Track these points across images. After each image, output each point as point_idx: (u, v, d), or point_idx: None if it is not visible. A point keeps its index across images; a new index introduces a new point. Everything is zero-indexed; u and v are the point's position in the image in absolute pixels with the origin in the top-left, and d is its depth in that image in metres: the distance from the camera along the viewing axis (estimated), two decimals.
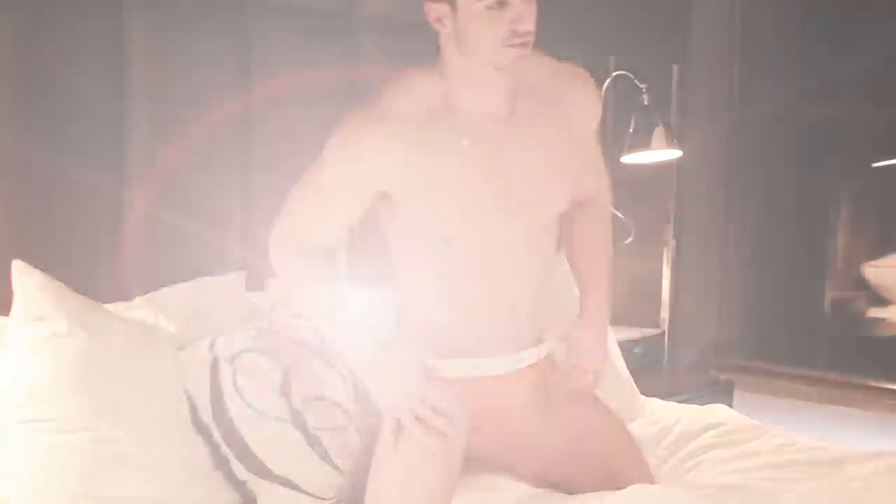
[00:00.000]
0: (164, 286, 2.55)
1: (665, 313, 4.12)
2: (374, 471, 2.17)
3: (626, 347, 3.58)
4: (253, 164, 2.88)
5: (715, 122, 4.33)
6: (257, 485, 2.22)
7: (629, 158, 3.68)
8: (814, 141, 4.77)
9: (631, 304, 3.91)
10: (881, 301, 4.94)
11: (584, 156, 2.32)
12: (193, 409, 2.22)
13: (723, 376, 4.10)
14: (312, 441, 2.26)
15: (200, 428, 2.22)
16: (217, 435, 2.21)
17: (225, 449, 2.21)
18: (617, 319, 3.27)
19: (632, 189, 3.98)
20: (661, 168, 3.93)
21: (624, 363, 3.19)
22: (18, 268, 2.15)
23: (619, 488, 2.17)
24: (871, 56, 4.30)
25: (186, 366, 2.26)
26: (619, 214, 3.96)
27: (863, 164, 4.82)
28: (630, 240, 3.94)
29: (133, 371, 2.18)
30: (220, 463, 2.21)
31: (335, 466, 2.28)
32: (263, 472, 2.21)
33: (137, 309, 2.43)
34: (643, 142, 3.61)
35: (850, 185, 4.93)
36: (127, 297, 2.48)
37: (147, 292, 2.53)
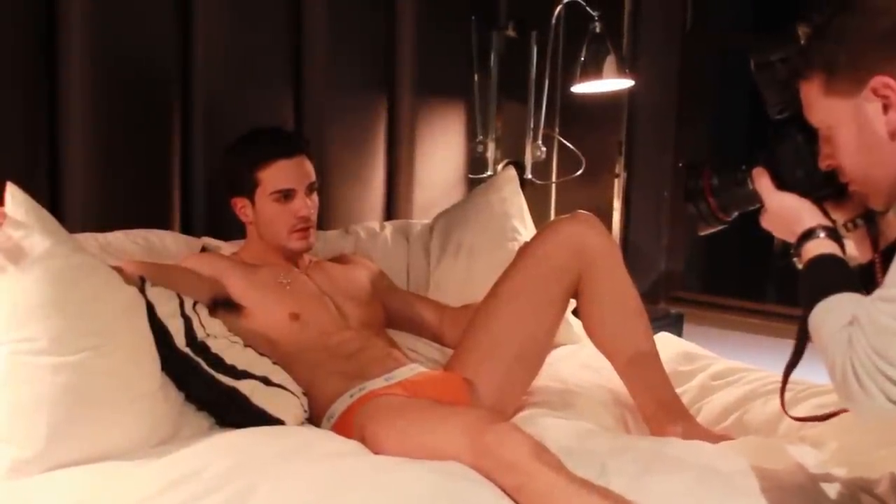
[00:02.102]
0: None
1: None
2: None
3: None
4: None
5: (667, 52, 4.28)
6: (244, 386, 2.35)
7: (580, 88, 3.65)
8: None
9: None
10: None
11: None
12: (169, 338, 2.31)
13: (673, 309, 4.10)
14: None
15: (179, 355, 2.32)
16: (195, 357, 2.33)
17: (205, 366, 2.33)
18: None
19: (583, 119, 3.96)
20: (613, 98, 3.89)
21: None
22: (11, 190, 2.13)
23: None
24: None
25: (158, 299, 2.34)
26: (570, 145, 3.95)
27: None
28: (580, 171, 3.92)
29: (113, 297, 2.21)
30: (204, 379, 2.33)
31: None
32: (246, 376, 2.36)
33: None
34: (594, 71, 3.58)
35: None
36: None
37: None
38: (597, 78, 3.59)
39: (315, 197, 2.75)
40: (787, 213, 1.85)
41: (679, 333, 3.72)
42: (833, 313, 1.62)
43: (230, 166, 2.74)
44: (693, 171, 2.00)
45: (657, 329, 2.97)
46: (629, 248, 4.18)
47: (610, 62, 3.55)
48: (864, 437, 2.27)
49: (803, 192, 1.85)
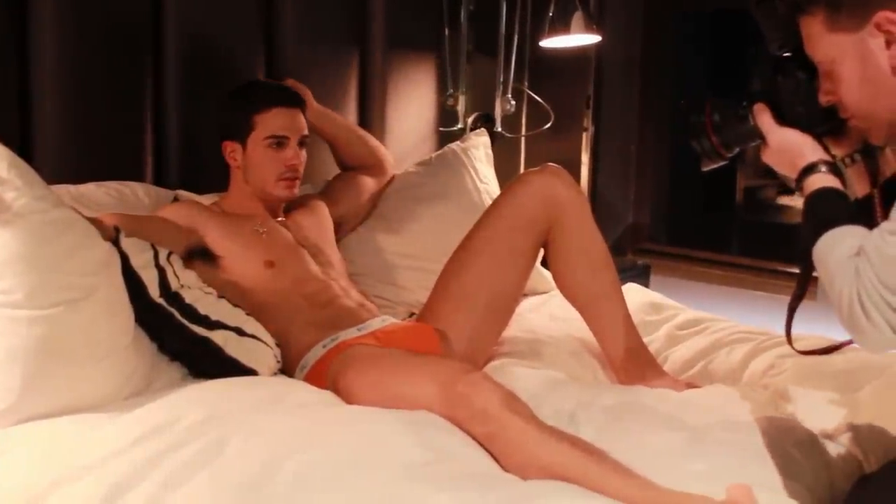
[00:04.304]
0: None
1: None
2: None
3: None
4: None
5: (633, 8, 4.31)
6: (217, 336, 2.38)
7: (548, 43, 3.67)
8: (730, 29, 4.78)
9: None
10: (789, 189, 5.01)
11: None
12: (143, 289, 2.32)
13: (640, 261, 4.15)
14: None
15: (152, 306, 2.34)
16: (169, 307, 2.35)
17: (179, 317, 2.35)
18: None
19: (552, 74, 3.98)
20: (581, 53, 3.92)
21: None
22: None
23: None
24: None
25: (132, 249, 2.34)
26: (539, 99, 3.97)
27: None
28: (549, 125, 3.95)
29: (89, 252, 2.19)
30: (177, 330, 2.35)
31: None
32: (219, 326, 2.39)
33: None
34: (562, 27, 3.60)
35: (761, 74, 4.96)
36: None
37: None
38: (564, 33, 3.61)
39: (304, 152, 2.78)
40: (789, 147, 1.87)
41: (646, 284, 3.77)
42: (839, 245, 1.64)
43: (227, 109, 2.76)
44: (694, 107, 2.00)
45: (625, 280, 3.01)
46: (597, 201, 4.22)
47: (577, 18, 3.57)
48: (824, 385, 2.31)
49: (803, 128, 1.87)
